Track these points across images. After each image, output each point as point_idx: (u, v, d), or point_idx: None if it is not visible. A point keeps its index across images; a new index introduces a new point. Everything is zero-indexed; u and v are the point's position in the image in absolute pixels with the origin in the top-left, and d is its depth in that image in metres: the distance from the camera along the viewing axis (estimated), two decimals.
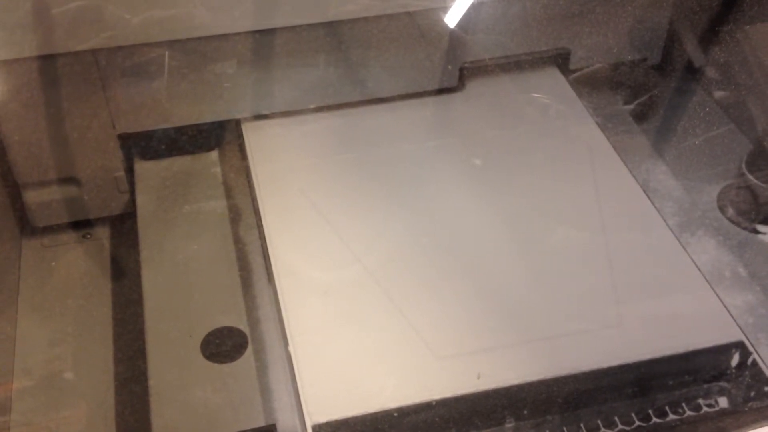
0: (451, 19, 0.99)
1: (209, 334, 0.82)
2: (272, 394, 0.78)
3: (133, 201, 1.00)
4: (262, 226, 0.89)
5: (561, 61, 1.09)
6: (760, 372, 0.76)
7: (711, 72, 1.09)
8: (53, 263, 0.99)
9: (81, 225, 1.02)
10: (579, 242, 0.87)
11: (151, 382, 0.78)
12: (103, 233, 1.02)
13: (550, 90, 1.07)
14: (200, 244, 0.92)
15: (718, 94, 1.08)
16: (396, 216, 0.91)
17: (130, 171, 1.00)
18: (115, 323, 0.92)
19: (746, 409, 0.76)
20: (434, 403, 0.72)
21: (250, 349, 0.81)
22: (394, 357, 0.76)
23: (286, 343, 0.77)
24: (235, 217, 0.95)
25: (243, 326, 0.83)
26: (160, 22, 0.88)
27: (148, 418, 0.75)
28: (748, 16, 1.02)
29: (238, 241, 0.92)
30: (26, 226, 1.01)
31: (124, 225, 1.02)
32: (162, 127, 0.98)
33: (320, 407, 0.72)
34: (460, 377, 0.74)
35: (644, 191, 0.93)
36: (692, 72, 1.10)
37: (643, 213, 0.90)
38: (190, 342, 0.81)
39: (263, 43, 0.96)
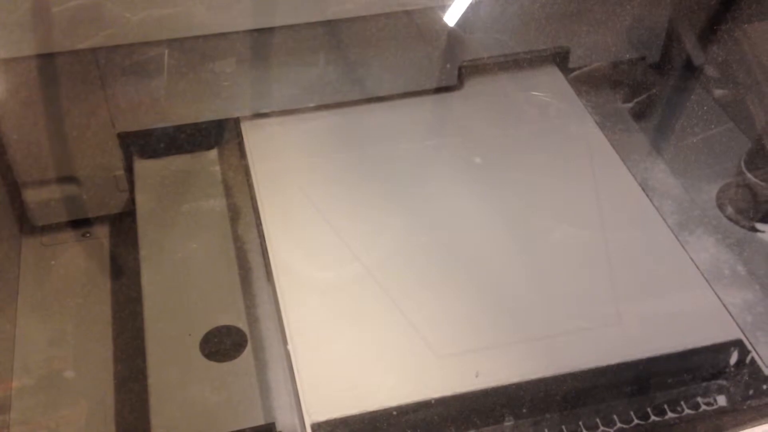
0: (450, 17, 0.99)
1: (208, 333, 0.82)
2: (271, 393, 0.78)
3: (132, 200, 1.00)
4: (261, 224, 0.89)
5: (560, 59, 1.09)
6: (759, 370, 0.76)
7: (710, 70, 1.09)
8: (52, 262, 0.99)
9: (80, 224, 1.02)
10: (578, 241, 0.87)
11: (150, 381, 0.78)
12: (102, 232, 1.02)
13: (549, 88, 1.07)
14: (199, 243, 0.92)
15: (717, 92, 1.08)
16: (395, 214, 0.90)
17: (129, 170, 1.00)
18: (114, 322, 0.92)
19: (745, 407, 0.76)
20: (433, 401, 0.72)
21: (249, 348, 0.81)
22: (392, 355, 0.76)
23: (285, 342, 0.77)
24: (234, 215, 0.95)
25: (242, 325, 0.83)
26: (159, 20, 0.88)
27: (148, 417, 0.75)
28: (746, 14, 1.02)
29: (237, 239, 0.92)
30: (25, 224, 1.01)
31: (123, 224, 1.02)
32: (161, 125, 0.98)
33: (319, 406, 0.72)
34: (459, 376, 0.74)
35: (643, 190, 0.93)
36: (691, 70, 1.10)
37: (641, 211, 0.90)
38: (189, 340, 0.81)
39: (262, 42, 0.95)
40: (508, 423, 0.74)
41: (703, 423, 0.75)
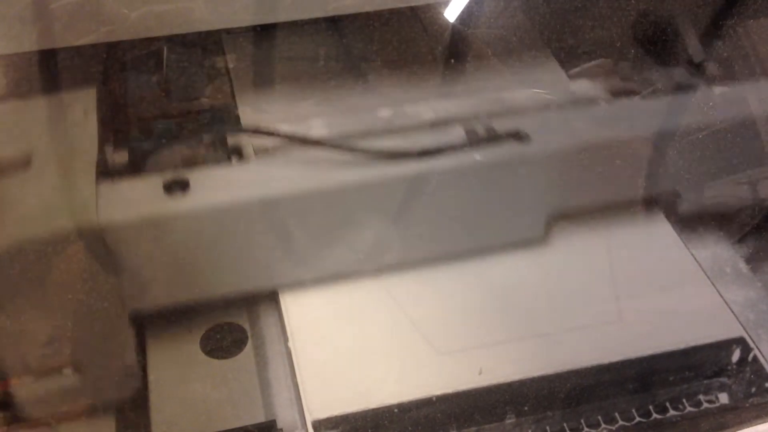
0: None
1: (209, 330, 0.82)
2: (272, 390, 0.77)
3: None
4: None
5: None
6: (761, 368, 0.76)
7: (712, 67, 1.08)
8: None
9: None
10: (580, 237, 0.87)
11: (151, 378, 0.78)
12: None
13: (547, 85, 1.07)
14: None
15: (719, 89, 1.08)
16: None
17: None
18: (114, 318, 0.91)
19: (747, 404, 0.76)
20: (435, 398, 0.72)
21: (249, 345, 0.81)
22: (394, 353, 0.76)
23: (285, 339, 0.77)
24: None
25: (243, 322, 0.83)
26: (159, 15, 0.87)
27: (148, 414, 0.75)
28: (751, 10, 1.02)
29: None
30: None
31: None
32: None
33: (320, 403, 0.71)
34: (461, 373, 0.74)
35: None
36: (693, 67, 1.10)
37: (644, 208, 0.90)
38: (189, 337, 0.81)
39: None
40: (510, 420, 0.74)
41: (705, 421, 0.75)
